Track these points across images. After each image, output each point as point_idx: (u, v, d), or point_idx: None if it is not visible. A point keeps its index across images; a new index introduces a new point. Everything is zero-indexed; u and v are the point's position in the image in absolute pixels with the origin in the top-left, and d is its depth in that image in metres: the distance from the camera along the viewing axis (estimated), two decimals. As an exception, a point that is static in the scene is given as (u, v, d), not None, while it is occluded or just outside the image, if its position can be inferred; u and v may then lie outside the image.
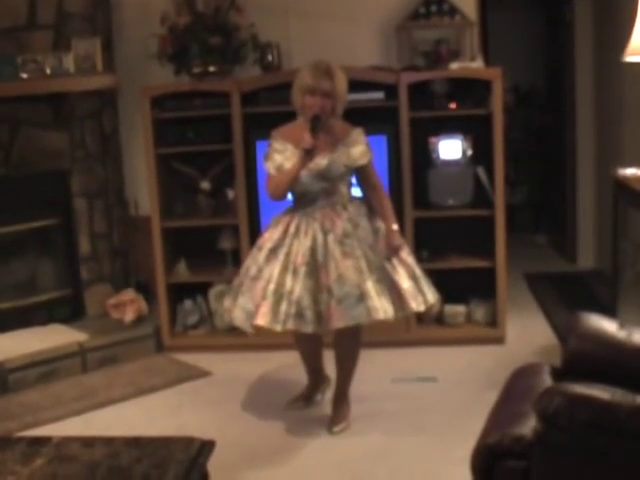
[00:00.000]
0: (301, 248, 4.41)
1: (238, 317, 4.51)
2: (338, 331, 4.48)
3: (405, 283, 4.47)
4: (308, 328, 4.36)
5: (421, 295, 4.53)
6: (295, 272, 4.38)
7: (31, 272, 6.02)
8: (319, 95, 4.37)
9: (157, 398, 5.22)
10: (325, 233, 4.42)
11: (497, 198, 5.57)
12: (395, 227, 4.55)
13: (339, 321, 4.32)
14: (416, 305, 4.49)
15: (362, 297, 4.32)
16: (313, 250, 4.39)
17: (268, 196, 4.60)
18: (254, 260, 4.54)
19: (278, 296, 4.36)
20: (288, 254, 4.43)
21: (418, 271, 4.59)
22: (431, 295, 4.61)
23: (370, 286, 4.35)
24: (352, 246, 4.41)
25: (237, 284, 4.60)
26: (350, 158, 4.47)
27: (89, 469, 3.25)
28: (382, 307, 4.36)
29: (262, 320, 4.38)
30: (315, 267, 4.37)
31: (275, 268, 4.42)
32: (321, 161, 4.40)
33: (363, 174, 4.56)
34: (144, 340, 5.87)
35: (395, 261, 4.49)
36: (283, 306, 4.35)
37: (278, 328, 4.37)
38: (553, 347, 5.51)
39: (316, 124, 4.34)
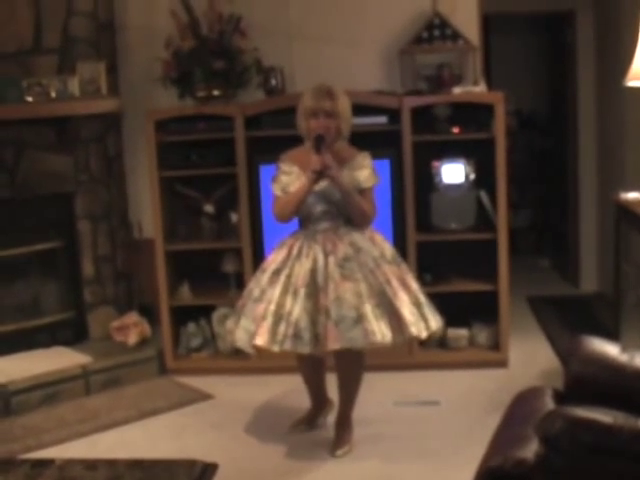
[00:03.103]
0: (302, 270, 4.42)
1: (241, 339, 4.53)
2: (340, 355, 4.49)
3: (407, 309, 4.44)
4: (305, 349, 4.36)
5: (423, 322, 4.51)
6: (295, 293, 4.40)
7: (35, 294, 6.02)
8: (322, 116, 4.41)
9: (160, 421, 5.21)
10: (326, 255, 4.43)
11: (500, 221, 5.58)
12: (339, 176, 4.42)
13: (335, 342, 4.32)
14: (417, 331, 4.46)
15: (359, 320, 4.31)
16: (313, 272, 4.41)
17: (274, 218, 4.63)
18: (257, 282, 4.57)
19: (277, 317, 4.38)
20: (289, 276, 4.45)
21: (422, 297, 4.57)
22: (434, 322, 4.59)
23: (368, 309, 4.34)
24: (352, 269, 4.41)
25: (240, 306, 4.62)
26: (354, 181, 4.48)
27: (92, 492, 3.26)
28: (380, 331, 4.33)
29: (260, 340, 4.41)
30: (315, 289, 4.38)
31: (276, 290, 4.44)
32: (322, 183, 4.43)
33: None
34: (147, 363, 5.87)
35: (398, 286, 4.48)
36: (281, 327, 4.37)
37: (276, 349, 4.39)
38: (556, 370, 5.50)
39: (319, 144, 4.36)
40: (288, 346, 4.37)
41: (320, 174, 4.36)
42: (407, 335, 4.45)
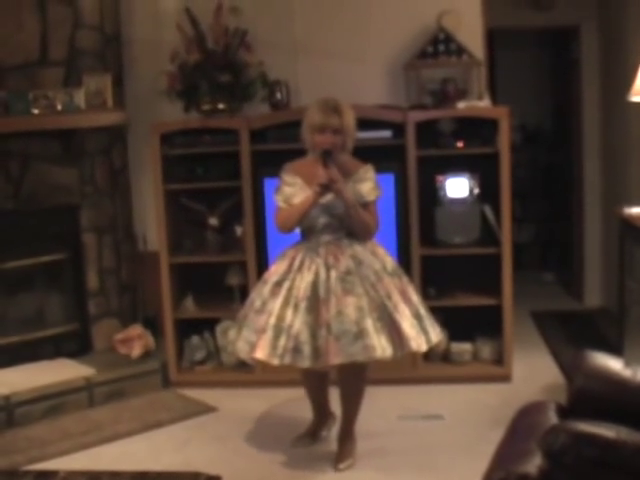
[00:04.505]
0: (303, 283, 4.42)
1: (242, 350, 4.54)
2: (342, 368, 4.49)
3: (407, 323, 4.44)
4: (305, 363, 4.35)
5: (424, 335, 4.51)
6: (296, 307, 4.39)
7: (39, 306, 6.03)
8: (329, 132, 4.41)
9: (163, 433, 5.21)
10: (328, 269, 4.43)
11: (504, 236, 5.59)
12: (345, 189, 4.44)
13: (336, 357, 4.31)
14: (417, 345, 4.46)
15: (360, 334, 4.30)
16: (315, 285, 4.41)
17: (276, 229, 4.64)
18: (259, 293, 4.57)
19: (278, 330, 4.38)
20: (290, 289, 4.45)
21: (422, 310, 4.57)
22: (434, 335, 4.59)
23: (369, 324, 4.34)
24: (354, 283, 4.40)
25: (242, 316, 4.62)
26: (357, 194, 4.49)
27: (95, 504, 3.26)
28: (380, 345, 4.32)
29: (260, 354, 4.41)
30: (316, 302, 4.38)
31: (277, 302, 4.44)
32: (327, 196, 4.43)
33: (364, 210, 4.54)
34: (151, 375, 5.87)
35: (399, 299, 4.48)
36: (282, 340, 4.36)
37: (275, 362, 4.39)
38: (559, 385, 5.50)
39: (327, 158, 4.38)
40: (288, 360, 4.36)
41: (326, 187, 4.37)
42: (407, 349, 4.45)
